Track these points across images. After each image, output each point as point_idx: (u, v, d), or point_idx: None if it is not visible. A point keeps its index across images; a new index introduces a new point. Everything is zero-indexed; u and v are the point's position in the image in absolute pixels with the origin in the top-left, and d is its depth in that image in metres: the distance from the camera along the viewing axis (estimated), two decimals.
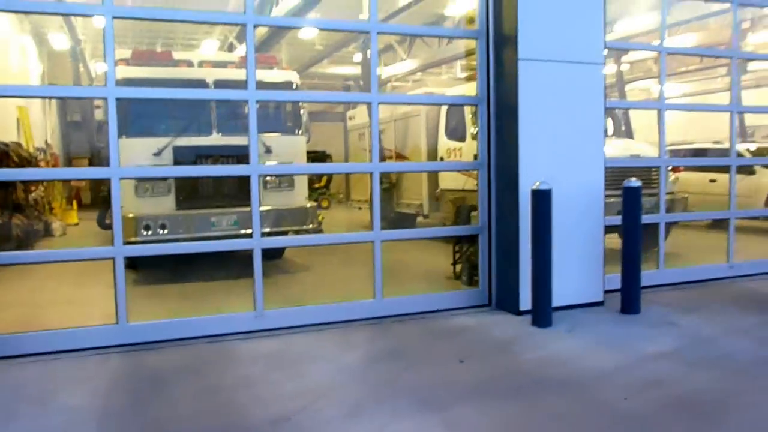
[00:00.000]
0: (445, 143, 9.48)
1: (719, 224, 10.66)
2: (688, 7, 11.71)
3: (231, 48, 15.55)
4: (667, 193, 7.90)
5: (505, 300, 5.43)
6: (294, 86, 7.68)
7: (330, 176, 16.60)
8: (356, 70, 18.12)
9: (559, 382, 3.79)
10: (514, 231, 5.23)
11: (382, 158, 11.20)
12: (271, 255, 8.13)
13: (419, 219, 10.78)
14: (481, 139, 5.56)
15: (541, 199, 4.86)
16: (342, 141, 15.09)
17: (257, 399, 3.56)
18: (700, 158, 11.40)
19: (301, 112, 7.80)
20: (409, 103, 10.54)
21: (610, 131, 9.74)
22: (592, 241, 5.47)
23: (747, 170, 10.87)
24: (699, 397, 3.55)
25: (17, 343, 4.33)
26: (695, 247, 8.69)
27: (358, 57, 17.07)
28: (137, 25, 13.02)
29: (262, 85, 5.66)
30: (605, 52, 5.52)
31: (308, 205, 7.62)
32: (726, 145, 11.19)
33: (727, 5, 6.80)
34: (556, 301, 5.14)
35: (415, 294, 5.64)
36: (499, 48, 5.37)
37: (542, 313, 4.95)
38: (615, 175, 7.17)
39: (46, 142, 15.31)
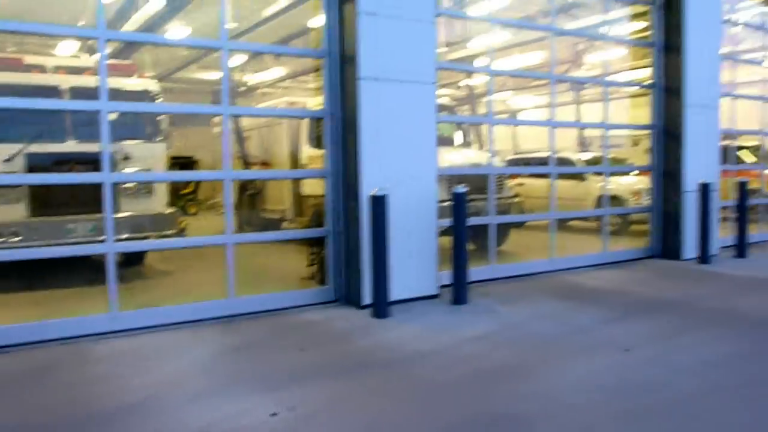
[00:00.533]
0: (306, 151, 9.92)
1: (560, 225, 11.93)
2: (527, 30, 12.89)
3: (92, 51, 15.15)
4: (503, 198, 8.84)
5: (349, 296, 5.98)
6: (151, 95, 7.83)
7: (198, 182, 16.52)
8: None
9: (386, 363, 4.36)
10: (357, 233, 5.79)
11: (247, 164, 11.51)
12: (131, 261, 8.21)
13: (285, 224, 11.14)
14: (328, 150, 6.07)
15: (378, 205, 5.45)
16: (213, 146, 15.07)
17: (109, 391, 3.84)
18: (528, 166, 12.70)
19: (159, 119, 7.96)
20: (259, 115, 10.89)
21: (459, 142, 10.62)
22: (427, 242, 6.13)
23: (579, 177, 12.22)
24: (502, 367, 4.25)
25: None
26: (533, 245, 9.72)
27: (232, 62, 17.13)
28: None
29: (117, 94, 5.84)
30: (437, 72, 6.22)
31: (168, 211, 7.79)
32: (564, 155, 12.54)
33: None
34: (396, 295, 5.76)
35: (268, 293, 6.05)
36: (342, 67, 5.92)
37: (381, 306, 5.54)
38: (456, 181, 7.97)
39: None
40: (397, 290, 5.75)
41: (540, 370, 4.19)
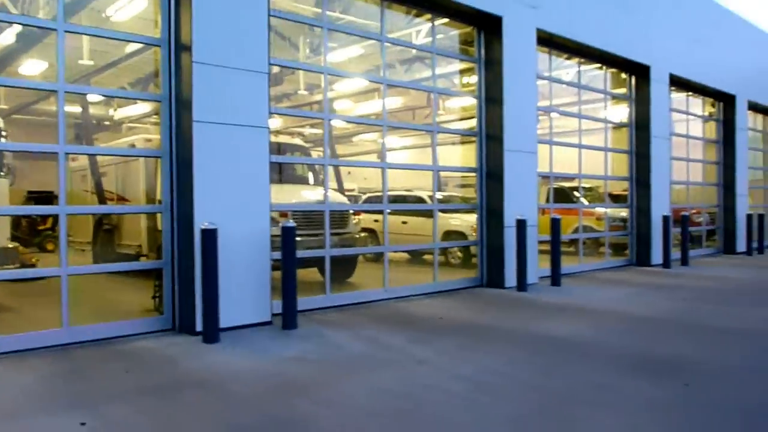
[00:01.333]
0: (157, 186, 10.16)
1: (415, 257, 12.77)
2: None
3: None
4: (345, 233, 9.53)
5: (184, 323, 6.35)
6: None
7: (56, 218, 16.05)
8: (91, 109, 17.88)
9: (202, 381, 4.80)
10: (191, 264, 6.21)
11: (102, 200, 11.53)
12: None
13: (141, 258, 11.21)
14: (163, 186, 6.49)
15: (208, 238, 5.92)
16: (77, 180, 14.80)
17: None
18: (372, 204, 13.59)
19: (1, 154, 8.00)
20: (97, 154, 11.03)
21: (312, 181, 11.29)
22: (260, 272, 6.65)
23: (428, 213, 13.21)
24: (309, 380, 4.81)
25: None
26: (378, 276, 10.43)
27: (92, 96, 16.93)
28: None
29: None
30: (270, 117, 6.84)
31: (10, 245, 7.81)
32: (419, 193, 13.53)
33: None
34: (229, 321, 6.21)
35: (106, 322, 6.30)
36: (178, 110, 6.40)
37: (211, 332, 5.96)
38: (300, 217, 8.57)
39: None
40: (229, 317, 6.21)
41: (341, 382, 4.80)
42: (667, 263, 12.45)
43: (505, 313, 7.81)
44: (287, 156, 10.59)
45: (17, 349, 5.55)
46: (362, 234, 10.28)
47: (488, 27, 9.58)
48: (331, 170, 13.17)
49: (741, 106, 16.26)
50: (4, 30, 10.34)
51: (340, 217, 9.58)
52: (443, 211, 11.66)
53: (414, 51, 11.46)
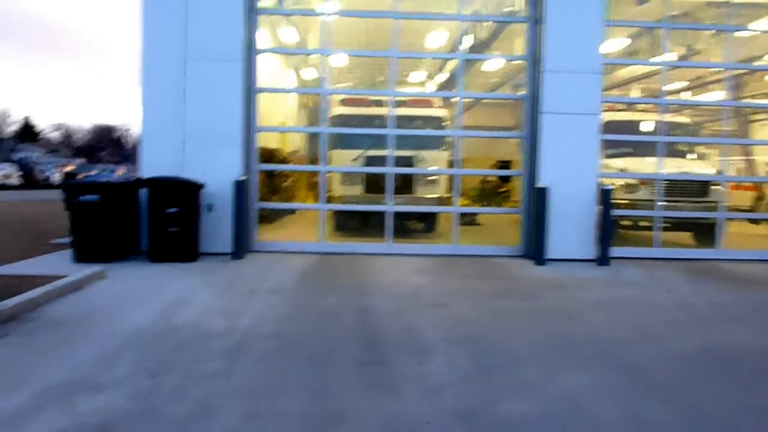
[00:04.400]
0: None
1: None
2: None
3: None
4: (702, 201, 10.78)
5: (529, 253, 9.23)
6: None
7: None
8: None
9: (518, 276, 7.67)
10: (542, 212, 9.03)
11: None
12: None
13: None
14: (523, 158, 9.42)
15: (541, 194, 8.63)
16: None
17: None
18: None
19: None
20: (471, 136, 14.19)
21: (693, 156, 12.52)
22: (585, 221, 9.00)
23: None
24: (563, 284, 7.22)
25: None
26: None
27: None
28: None
29: None
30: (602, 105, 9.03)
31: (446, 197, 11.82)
32: None
33: None
34: (558, 255, 8.86)
35: (483, 245, 9.64)
36: (533, 106, 9.20)
37: (540, 259, 8.71)
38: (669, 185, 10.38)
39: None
40: (558, 252, 8.84)
41: (591, 288, 7.07)
42: None
43: None
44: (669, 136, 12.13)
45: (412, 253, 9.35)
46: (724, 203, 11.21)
47: None
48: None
49: None
50: None
51: (699, 188, 10.81)
52: None
53: None
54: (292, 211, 14.57)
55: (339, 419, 3.43)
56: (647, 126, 11.72)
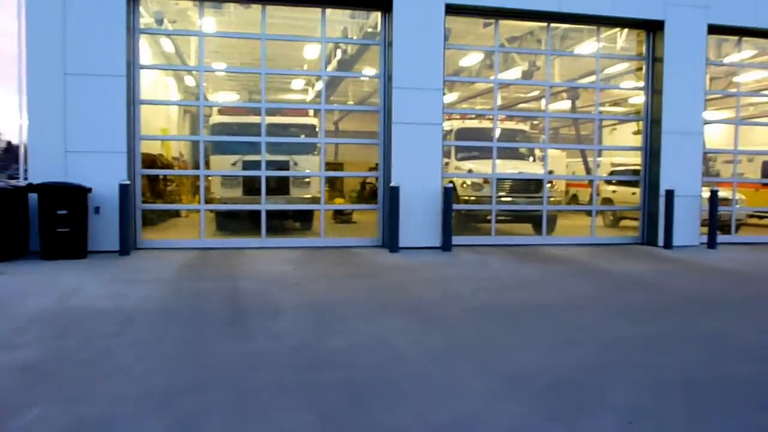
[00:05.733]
0: None
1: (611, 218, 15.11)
2: None
3: None
4: (535, 197, 12.77)
5: (386, 243, 10.76)
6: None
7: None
8: None
9: (379, 265, 9.13)
10: (395, 208, 10.57)
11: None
12: None
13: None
14: (380, 161, 10.94)
15: (394, 191, 10.18)
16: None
17: None
18: None
19: None
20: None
21: (529, 158, 14.60)
22: (431, 215, 10.65)
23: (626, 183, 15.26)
24: (413, 268, 8.78)
25: None
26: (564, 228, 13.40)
27: None
28: None
29: None
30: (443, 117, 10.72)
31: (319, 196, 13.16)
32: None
33: None
34: (408, 243, 10.44)
35: (346, 237, 11.07)
36: (386, 117, 10.75)
37: (394, 248, 10.25)
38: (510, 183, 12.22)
39: (180, 152, 21.95)
40: (408, 242, 10.42)
41: (430, 269, 8.66)
42: None
43: (621, 257, 10.38)
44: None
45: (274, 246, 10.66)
46: (556, 198, 13.31)
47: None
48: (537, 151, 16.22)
49: None
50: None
51: (535, 185, 12.80)
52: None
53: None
54: (177, 214, 15.45)
55: (203, 355, 4.69)
56: (493, 133, 13.62)
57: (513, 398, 3.85)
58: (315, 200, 12.37)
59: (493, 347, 5.02)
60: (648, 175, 12.11)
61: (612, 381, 4.20)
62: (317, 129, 13.29)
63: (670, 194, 11.38)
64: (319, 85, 18.71)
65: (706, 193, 11.91)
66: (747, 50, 13.86)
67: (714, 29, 11.88)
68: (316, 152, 12.96)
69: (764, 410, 3.77)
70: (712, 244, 11.64)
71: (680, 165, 11.72)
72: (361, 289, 7.35)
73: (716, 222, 11.73)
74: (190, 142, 19.12)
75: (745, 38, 12.80)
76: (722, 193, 12.80)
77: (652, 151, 12.00)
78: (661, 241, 11.61)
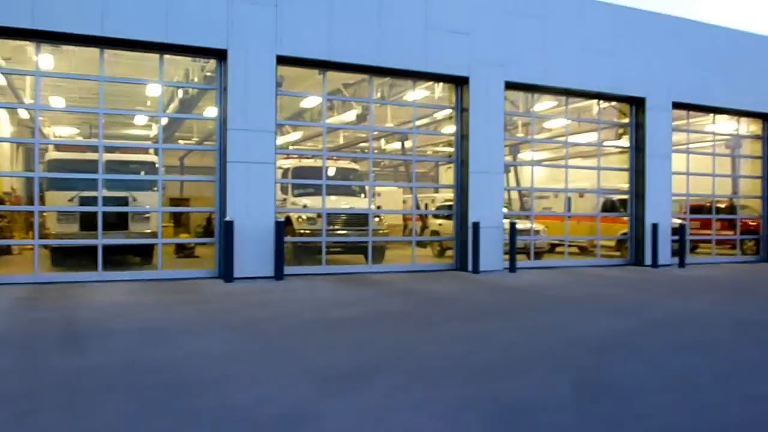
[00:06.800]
0: None
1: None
2: None
3: None
4: (361, 230, 14.10)
5: (223, 273, 11.50)
6: None
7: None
8: None
9: (216, 294, 9.83)
10: (229, 240, 11.34)
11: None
12: None
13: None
14: (216, 196, 11.72)
15: (228, 226, 11.00)
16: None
17: None
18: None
19: None
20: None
21: (361, 194, 16.01)
22: (264, 247, 11.56)
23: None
24: (250, 294, 9.62)
25: None
26: (394, 257, 14.83)
27: None
28: None
29: None
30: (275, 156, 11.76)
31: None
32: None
33: None
34: (243, 273, 11.24)
35: (184, 270, 11.65)
36: (222, 155, 11.59)
37: (229, 277, 11.02)
38: (342, 216, 13.36)
39: (11, 187, 21.14)
40: (243, 271, 11.24)
41: (252, 298, 9.55)
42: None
43: (434, 281, 11.87)
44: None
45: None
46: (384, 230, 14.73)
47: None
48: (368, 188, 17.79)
49: None
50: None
51: (363, 219, 14.12)
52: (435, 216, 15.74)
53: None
54: (9, 251, 15.10)
55: (39, 368, 5.27)
56: (329, 171, 14.84)
57: (304, 387, 4.87)
58: (155, 235, 12.78)
59: (301, 352, 6.03)
60: (459, 209, 13.88)
61: (386, 368, 5.37)
62: (157, 166, 13.76)
63: (476, 226, 13.17)
64: (164, 121, 19.24)
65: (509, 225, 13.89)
66: (549, 102, 16.40)
67: (510, 85, 14.01)
68: (155, 188, 13.41)
69: (470, 381, 5.09)
70: (512, 268, 13.55)
71: (485, 200, 13.59)
72: (192, 312, 8.09)
73: (515, 249, 13.67)
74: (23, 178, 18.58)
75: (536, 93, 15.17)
76: (522, 225, 14.94)
77: (462, 187, 13.79)
78: (470, 266, 13.34)
